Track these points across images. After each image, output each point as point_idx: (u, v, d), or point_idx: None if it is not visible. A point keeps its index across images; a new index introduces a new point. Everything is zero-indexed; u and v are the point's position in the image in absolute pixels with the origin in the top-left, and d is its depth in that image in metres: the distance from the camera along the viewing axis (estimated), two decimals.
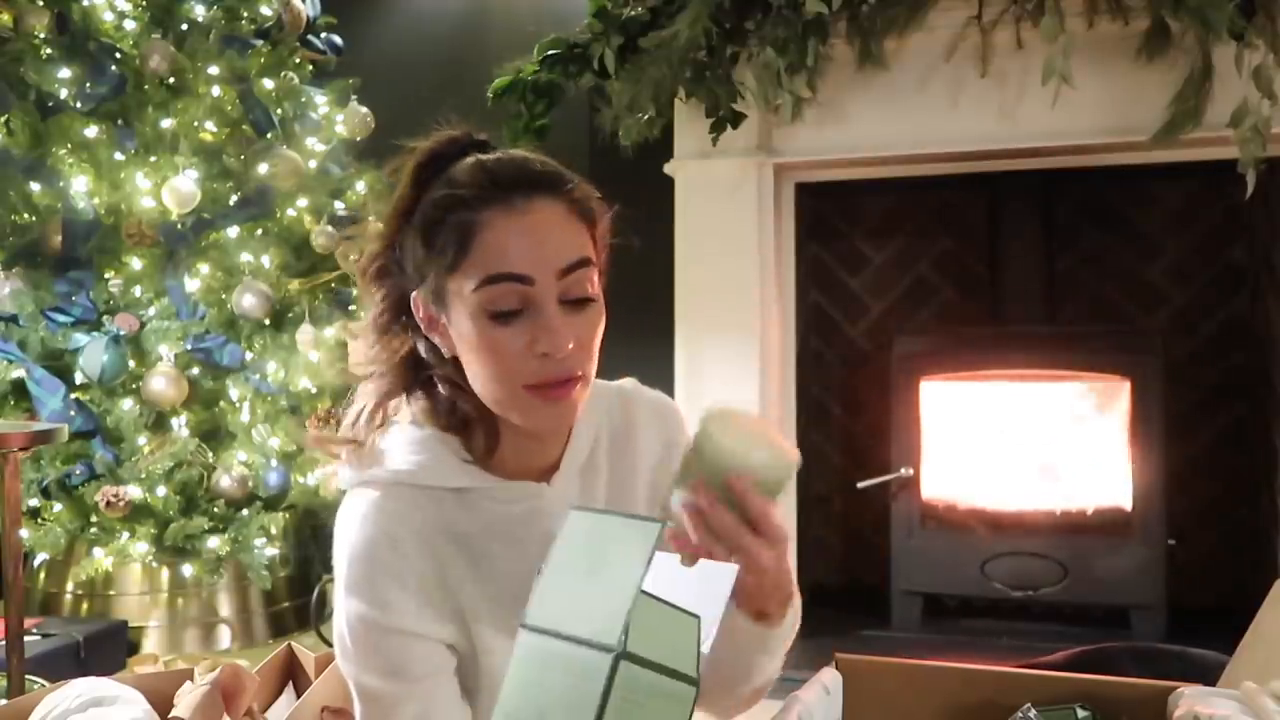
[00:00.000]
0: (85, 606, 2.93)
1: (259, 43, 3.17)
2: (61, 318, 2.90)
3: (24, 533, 2.62)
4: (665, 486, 0.91)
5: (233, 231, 3.05)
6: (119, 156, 2.94)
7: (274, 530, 2.98)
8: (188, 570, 2.93)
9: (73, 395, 2.86)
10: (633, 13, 2.59)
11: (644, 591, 0.68)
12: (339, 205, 3.29)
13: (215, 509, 2.92)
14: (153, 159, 2.94)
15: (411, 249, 0.97)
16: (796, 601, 1.01)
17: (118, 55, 2.98)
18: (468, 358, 0.96)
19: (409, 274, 0.98)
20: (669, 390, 1.19)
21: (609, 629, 0.67)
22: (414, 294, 0.98)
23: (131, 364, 2.89)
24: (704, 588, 0.77)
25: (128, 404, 2.88)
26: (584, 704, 0.67)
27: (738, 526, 0.86)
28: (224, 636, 2.99)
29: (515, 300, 0.92)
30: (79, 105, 2.95)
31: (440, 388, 1.00)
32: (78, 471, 2.87)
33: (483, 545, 1.00)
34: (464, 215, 0.93)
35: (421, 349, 1.00)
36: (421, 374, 1.01)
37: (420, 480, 0.99)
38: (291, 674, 1.65)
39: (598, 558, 0.70)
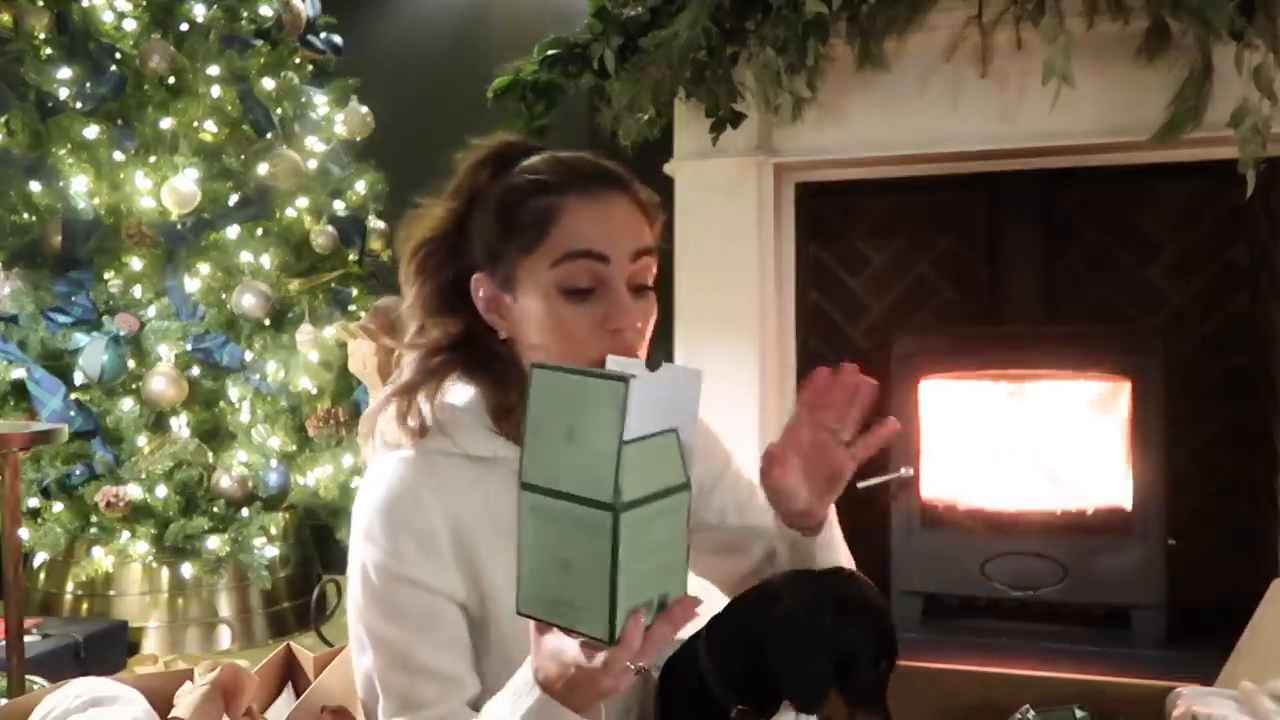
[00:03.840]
0: (85, 606, 2.93)
1: (259, 43, 3.16)
2: (61, 318, 2.90)
3: (24, 533, 2.62)
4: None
5: (233, 231, 3.05)
6: (119, 156, 2.94)
7: (274, 530, 2.99)
8: (188, 570, 2.93)
9: (73, 395, 2.86)
10: (633, 13, 2.59)
11: (624, 441, 0.71)
12: (339, 205, 3.29)
13: (215, 509, 2.92)
14: (153, 159, 2.94)
15: (482, 230, 1.03)
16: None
17: (118, 55, 2.98)
18: (533, 338, 1.01)
19: (474, 256, 1.04)
20: None
21: (603, 488, 0.71)
22: (476, 275, 1.03)
23: (131, 364, 2.89)
24: (675, 393, 0.80)
25: (128, 404, 2.88)
26: (599, 554, 0.72)
27: None
28: (224, 636, 2.99)
29: (589, 278, 0.99)
30: (79, 105, 2.95)
31: (483, 368, 1.05)
32: (78, 471, 2.86)
33: (511, 516, 1.02)
34: (545, 199, 1.00)
35: (471, 329, 1.05)
36: (474, 352, 1.05)
37: (454, 449, 1.03)
38: (291, 674, 1.65)
39: (575, 419, 0.73)
